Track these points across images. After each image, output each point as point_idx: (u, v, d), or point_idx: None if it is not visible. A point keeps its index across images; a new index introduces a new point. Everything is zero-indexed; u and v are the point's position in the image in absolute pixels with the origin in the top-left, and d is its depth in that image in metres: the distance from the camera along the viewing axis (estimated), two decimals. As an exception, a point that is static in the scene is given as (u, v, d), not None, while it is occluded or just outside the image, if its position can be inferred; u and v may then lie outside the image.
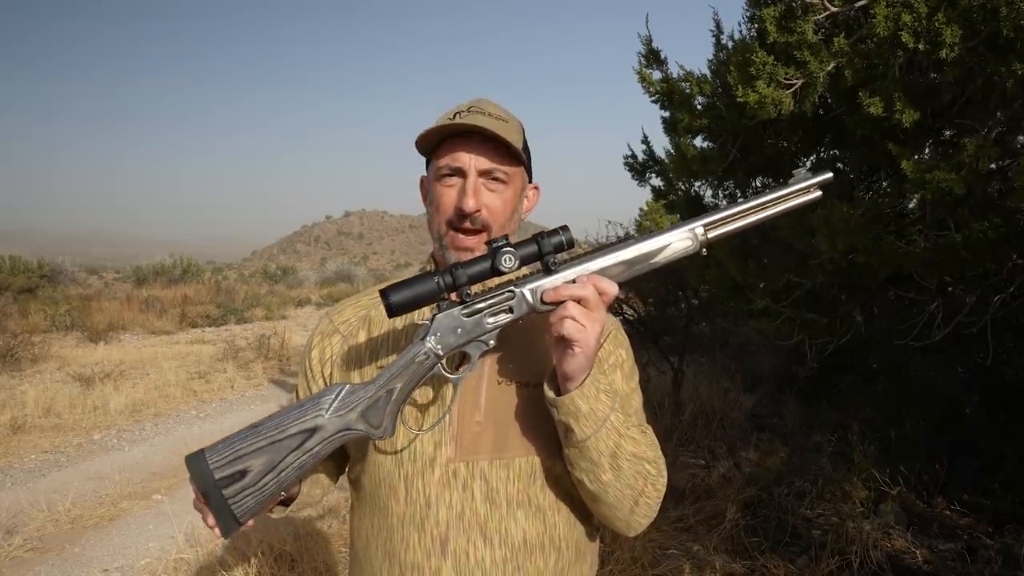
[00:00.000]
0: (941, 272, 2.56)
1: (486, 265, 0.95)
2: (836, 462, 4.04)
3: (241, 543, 3.41)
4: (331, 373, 1.15)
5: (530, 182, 1.18)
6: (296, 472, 0.94)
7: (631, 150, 4.57)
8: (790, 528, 3.42)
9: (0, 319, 12.00)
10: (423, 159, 1.18)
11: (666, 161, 4.21)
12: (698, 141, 3.66)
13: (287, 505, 1.10)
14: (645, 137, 4.56)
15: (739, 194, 3.99)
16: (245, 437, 0.93)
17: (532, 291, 0.97)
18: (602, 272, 0.98)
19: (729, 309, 4.30)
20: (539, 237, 0.97)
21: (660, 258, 1.01)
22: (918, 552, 3.15)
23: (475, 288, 0.99)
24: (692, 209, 4.10)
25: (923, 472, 3.65)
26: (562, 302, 0.93)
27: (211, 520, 0.92)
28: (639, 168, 4.53)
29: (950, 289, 2.96)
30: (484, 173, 1.07)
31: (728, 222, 1.03)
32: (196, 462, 0.91)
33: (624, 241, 1.01)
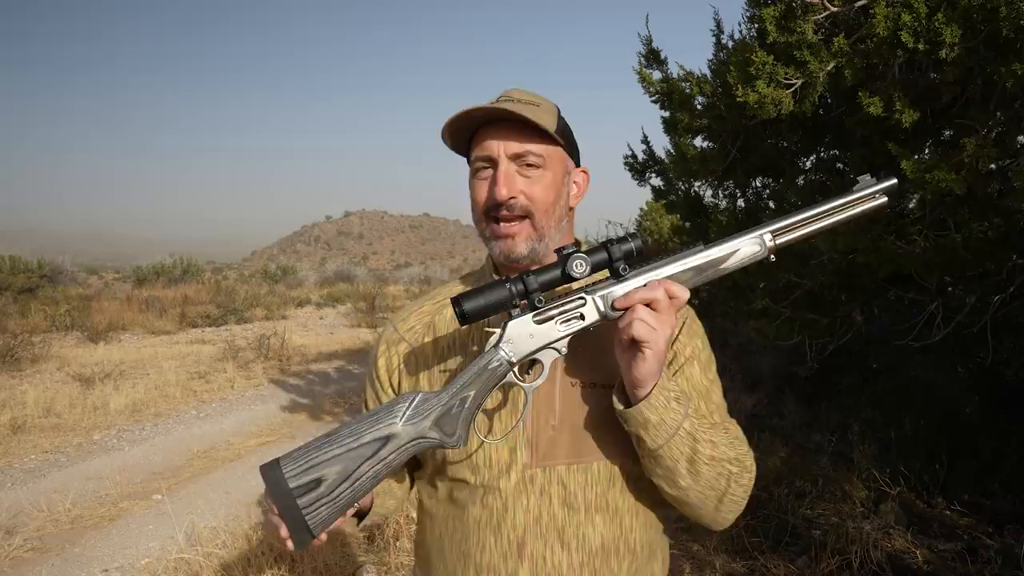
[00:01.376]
0: (941, 272, 2.56)
1: (557, 272, 0.95)
2: (836, 462, 4.04)
3: (241, 543, 3.41)
4: (399, 382, 1.14)
5: (577, 166, 1.15)
6: (370, 482, 0.93)
7: (631, 150, 4.58)
8: (790, 528, 3.42)
9: (0, 319, 12.00)
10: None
11: (666, 161, 4.22)
12: (698, 141, 3.67)
13: (361, 518, 1.10)
14: (645, 137, 4.57)
15: (739, 194, 4.00)
16: (320, 446, 0.91)
17: (603, 298, 0.97)
18: (672, 278, 0.97)
19: (729, 309, 4.31)
20: (609, 244, 0.96)
21: (729, 263, 1.01)
22: (918, 552, 3.15)
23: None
24: (692, 209, 4.11)
25: (923, 472, 3.65)
26: (632, 306, 0.93)
27: (284, 532, 0.90)
28: (639, 168, 4.54)
29: (950, 289, 2.97)
30: (516, 157, 1.04)
31: (795, 228, 1.02)
32: (271, 471, 0.90)
33: (694, 247, 1.01)
